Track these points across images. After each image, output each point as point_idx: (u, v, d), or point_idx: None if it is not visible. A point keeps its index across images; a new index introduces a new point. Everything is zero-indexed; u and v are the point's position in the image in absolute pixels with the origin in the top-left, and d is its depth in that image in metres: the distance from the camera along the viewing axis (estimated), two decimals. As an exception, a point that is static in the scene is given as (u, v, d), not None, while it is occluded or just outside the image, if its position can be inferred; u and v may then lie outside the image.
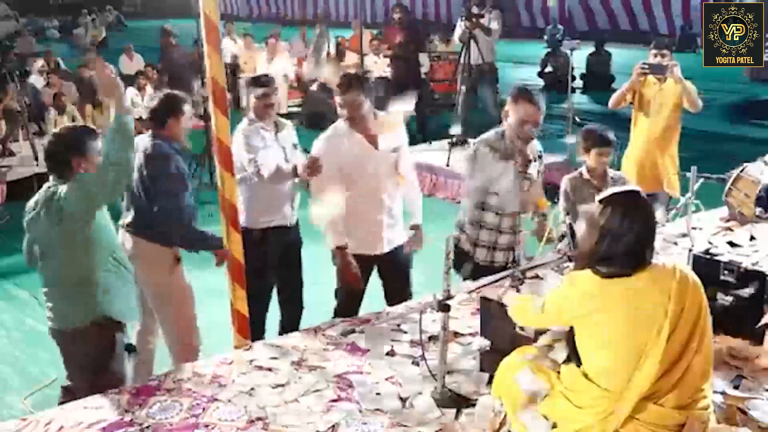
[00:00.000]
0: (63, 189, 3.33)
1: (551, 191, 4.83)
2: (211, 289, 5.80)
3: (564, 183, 4.59)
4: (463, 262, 4.22)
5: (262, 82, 4.51)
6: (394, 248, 4.33)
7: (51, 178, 3.45)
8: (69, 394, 3.55)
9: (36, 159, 8.83)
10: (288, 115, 13.37)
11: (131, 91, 12.13)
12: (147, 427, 2.84)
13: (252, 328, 3.80)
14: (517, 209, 4.19)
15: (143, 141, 4.06)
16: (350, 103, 4.10)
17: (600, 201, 2.53)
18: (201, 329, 4.53)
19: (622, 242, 2.42)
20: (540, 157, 4.34)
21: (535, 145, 4.30)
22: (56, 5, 34.16)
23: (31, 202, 3.49)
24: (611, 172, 4.56)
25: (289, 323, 4.82)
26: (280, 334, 4.86)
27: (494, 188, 4.10)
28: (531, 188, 4.23)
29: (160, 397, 3.05)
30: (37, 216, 3.41)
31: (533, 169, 4.23)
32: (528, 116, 4.05)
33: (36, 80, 12.37)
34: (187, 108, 4.21)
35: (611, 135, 4.48)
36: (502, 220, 4.20)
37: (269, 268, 4.66)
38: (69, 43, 24.28)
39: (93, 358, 3.47)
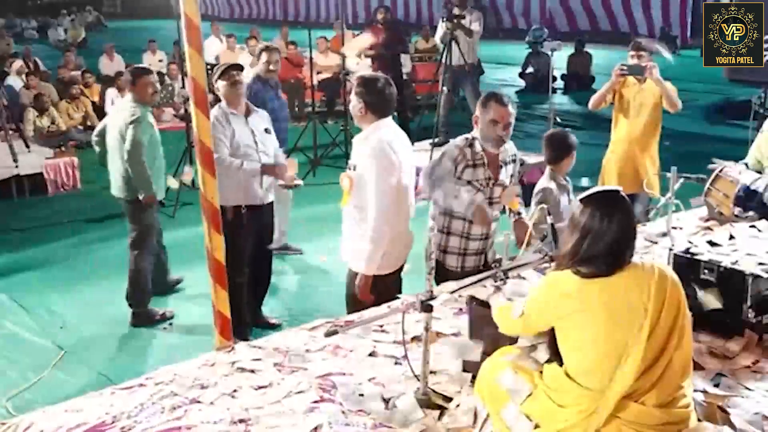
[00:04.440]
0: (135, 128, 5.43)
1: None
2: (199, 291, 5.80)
3: (539, 184, 4.80)
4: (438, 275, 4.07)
5: (232, 69, 4.99)
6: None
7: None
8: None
9: (15, 161, 8.74)
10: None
11: (112, 92, 12.07)
12: (128, 430, 2.82)
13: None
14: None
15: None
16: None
17: (580, 201, 2.55)
18: (188, 329, 4.53)
19: (602, 242, 2.43)
20: (514, 161, 4.29)
21: (510, 149, 4.23)
22: (35, 5, 33.85)
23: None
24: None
25: (256, 299, 5.35)
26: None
27: (457, 204, 4.02)
28: (504, 193, 4.18)
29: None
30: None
31: (504, 175, 4.18)
32: (498, 116, 3.98)
33: (14, 81, 12.27)
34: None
35: (570, 140, 4.80)
36: (472, 227, 4.13)
37: (243, 247, 4.95)
38: (48, 43, 24.09)
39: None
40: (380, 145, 3.89)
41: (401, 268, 4.21)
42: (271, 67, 6.26)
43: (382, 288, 3.99)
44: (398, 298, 3.62)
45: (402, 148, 4.03)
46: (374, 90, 3.96)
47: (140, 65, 6.65)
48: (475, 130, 4.12)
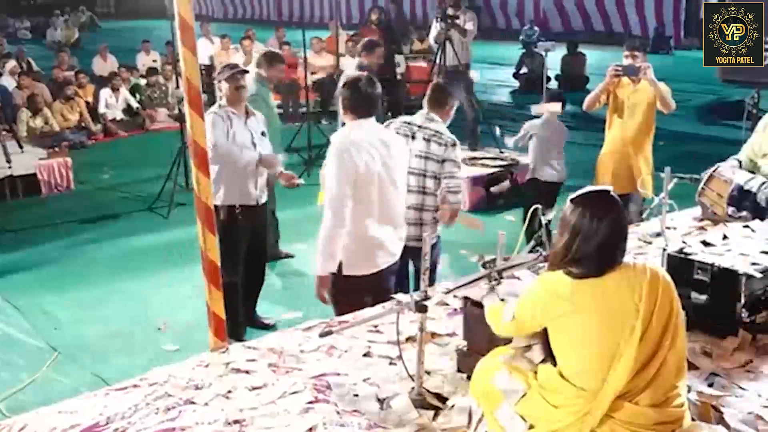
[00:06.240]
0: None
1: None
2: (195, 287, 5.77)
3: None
4: None
5: (234, 69, 5.00)
6: None
7: None
8: None
9: (8, 161, 8.70)
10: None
11: (105, 93, 12.04)
12: (123, 431, 2.81)
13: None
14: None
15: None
16: None
17: (571, 201, 2.55)
18: (182, 329, 4.50)
19: (593, 242, 2.43)
20: None
21: None
22: (28, 5, 33.74)
23: None
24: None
25: (249, 296, 5.30)
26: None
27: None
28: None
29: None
30: None
31: None
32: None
33: (7, 81, 12.22)
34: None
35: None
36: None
37: (237, 247, 4.94)
38: (41, 43, 24.02)
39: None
40: (342, 145, 3.85)
41: (387, 272, 4.12)
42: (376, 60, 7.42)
43: (358, 290, 3.95)
44: (393, 298, 3.62)
45: (374, 150, 3.90)
46: (352, 89, 3.96)
47: (271, 50, 8.06)
48: (442, 122, 4.66)
